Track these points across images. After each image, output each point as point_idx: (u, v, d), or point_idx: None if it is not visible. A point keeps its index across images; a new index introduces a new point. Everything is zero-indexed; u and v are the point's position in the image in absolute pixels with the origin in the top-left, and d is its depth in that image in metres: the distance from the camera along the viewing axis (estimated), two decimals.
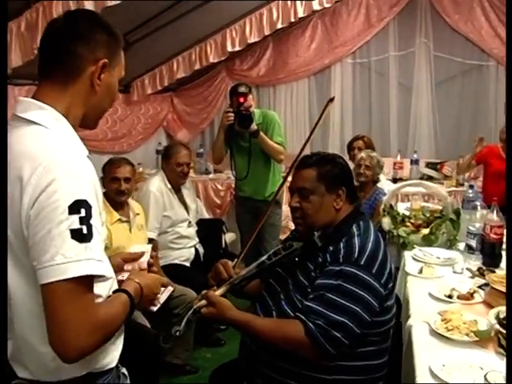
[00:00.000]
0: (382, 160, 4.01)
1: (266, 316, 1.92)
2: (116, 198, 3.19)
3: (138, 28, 4.46)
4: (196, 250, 3.91)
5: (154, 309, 3.01)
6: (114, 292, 1.34)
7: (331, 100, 2.05)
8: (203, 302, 1.76)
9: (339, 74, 6.11)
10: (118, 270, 1.50)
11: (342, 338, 1.73)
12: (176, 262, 3.75)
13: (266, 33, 5.42)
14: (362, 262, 1.78)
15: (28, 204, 1.13)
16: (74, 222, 1.12)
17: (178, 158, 3.73)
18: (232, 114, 3.70)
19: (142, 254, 1.62)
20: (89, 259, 1.14)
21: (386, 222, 3.21)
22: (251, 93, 3.89)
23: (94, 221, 1.16)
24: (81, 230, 1.12)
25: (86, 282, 1.15)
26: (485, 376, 1.35)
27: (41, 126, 1.22)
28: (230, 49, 5.42)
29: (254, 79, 6.26)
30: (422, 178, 5.14)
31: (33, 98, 1.28)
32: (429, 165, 5.55)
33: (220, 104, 6.34)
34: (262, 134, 3.76)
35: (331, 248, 1.86)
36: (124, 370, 1.44)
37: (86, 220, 1.13)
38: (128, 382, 1.44)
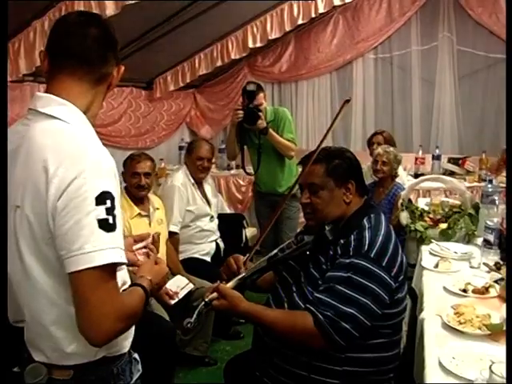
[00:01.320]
0: (400, 155, 3.99)
1: (278, 307, 1.95)
2: (136, 192, 3.25)
3: (160, 25, 4.50)
4: (217, 244, 3.96)
5: (172, 302, 3.07)
6: (130, 286, 1.40)
7: (347, 101, 2.04)
8: (214, 294, 1.78)
9: (361, 70, 6.08)
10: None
11: (351, 330, 1.75)
12: (196, 255, 3.81)
13: (287, 29, 5.41)
14: (372, 255, 1.79)
15: (55, 195, 1.18)
16: (101, 212, 1.17)
17: (199, 152, 3.78)
18: (241, 111, 3.73)
19: (148, 235, 1.68)
20: (114, 248, 1.18)
21: (404, 217, 3.20)
22: (262, 91, 3.91)
23: (117, 211, 1.21)
24: (107, 219, 1.17)
25: (111, 269, 1.20)
26: (490, 367, 1.35)
27: (62, 121, 1.26)
28: (251, 45, 5.43)
29: (275, 75, 6.28)
30: (444, 174, 5.06)
31: (51, 93, 1.32)
32: (451, 160, 5.49)
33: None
34: (271, 131, 3.80)
35: (342, 241, 1.87)
36: (136, 356, 1.49)
37: (111, 210, 1.18)
38: (140, 367, 1.49)
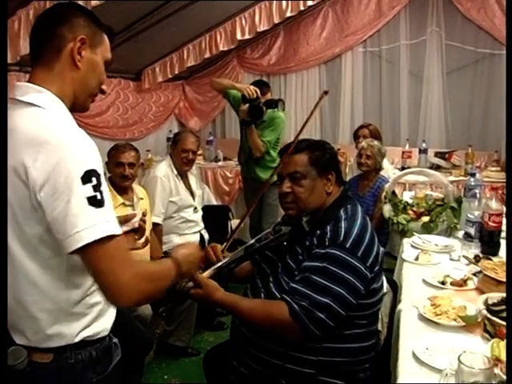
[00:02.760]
0: (384, 148, 4.02)
1: (255, 297, 1.96)
2: (120, 182, 3.24)
3: (147, 16, 4.47)
4: (201, 235, 3.96)
5: None
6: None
7: (325, 92, 2.07)
8: (190, 283, 1.78)
9: (350, 63, 6.08)
10: None
11: (326, 319, 1.75)
12: None
13: (276, 21, 5.40)
14: (348, 245, 1.80)
15: (38, 180, 1.20)
16: (89, 190, 1.20)
17: (184, 145, 3.77)
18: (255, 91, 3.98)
19: (134, 215, 1.69)
20: (108, 221, 1.22)
21: (387, 210, 3.22)
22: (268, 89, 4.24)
23: (104, 187, 1.24)
24: (95, 196, 1.20)
25: (111, 241, 1.23)
26: (458, 357, 1.36)
27: (40, 108, 1.28)
28: (239, 37, 5.41)
29: (264, 68, 6.27)
30: (430, 168, 5.08)
31: (30, 82, 1.35)
32: (438, 154, 5.51)
33: None
34: (252, 127, 4.06)
35: (318, 232, 1.89)
36: (116, 340, 1.50)
37: (98, 187, 1.21)
38: (119, 352, 1.50)
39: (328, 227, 1.87)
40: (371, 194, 3.90)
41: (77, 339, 1.34)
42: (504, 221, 2.71)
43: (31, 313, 1.31)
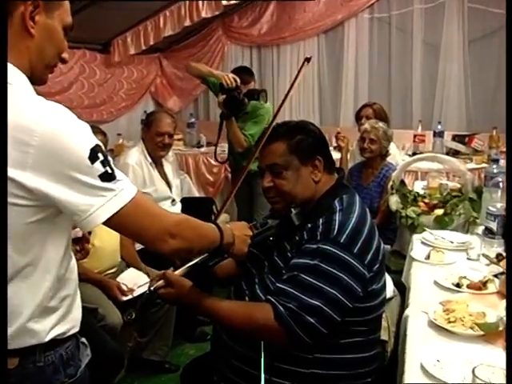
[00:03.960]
0: (391, 131, 4.01)
1: (238, 300, 1.97)
2: None
3: None
4: None
5: (124, 299, 3.06)
6: None
7: (307, 60, 2.08)
8: (161, 282, 1.78)
9: (354, 32, 6.09)
10: None
11: (317, 325, 1.75)
12: None
13: None
14: (342, 240, 1.80)
15: (41, 173, 1.23)
16: (99, 168, 1.29)
17: (159, 127, 3.77)
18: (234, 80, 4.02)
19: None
20: (122, 189, 1.33)
21: (394, 201, 3.23)
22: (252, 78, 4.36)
23: (110, 158, 1.33)
24: (106, 171, 1.30)
25: (140, 199, 1.36)
26: (473, 370, 1.36)
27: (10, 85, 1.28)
28: (225, 2, 5.40)
29: (254, 38, 6.26)
30: (447, 154, 5.10)
31: None
32: (456, 138, 5.52)
33: (216, 67, 6.32)
34: (232, 120, 4.13)
35: (309, 225, 1.88)
36: (84, 340, 1.54)
37: (106, 162, 1.30)
38: (89, 351, 1.55)
39: (320, 220, 1.87)
40: (376, 184, 3.90)
41: (47, 338, 1.37)
42: None
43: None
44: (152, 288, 1.78)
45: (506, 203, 2.47)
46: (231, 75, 4.08)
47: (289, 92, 2.14)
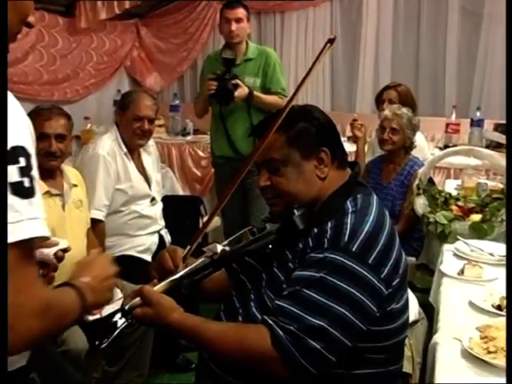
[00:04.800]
0: (417, 119, 4.03)
1: (229, 321, 1.97)
2: (44, 162, 3.21)
3: None
4: (161, 237, 3.98)
5: (90, 318, 3.06)
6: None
7: (331, 41, 2.04)
8: (137, 299, 1.78)
9: None
10: None
11: (322, 351, 1.74)
12: (131, 253, 3.82)
13: None
14: (354, 248, 1.79)
15: None
16: (14, 173, 1.22)
17: (136, 110, 3.76)
18: (215, 84, 4.27)
19: (54, 244, 1.76)
20: (33, 218, 1.24)
21: (420, 204, 3.24)
22: (248, 18, 4.45)
23: (35, 172, 1.26)
24: (22, 182, 1.23)
25: (30, 246, 1.26)
26: None
27: None
28: None
29: (254, 4, 6.23)
30: (487, 147, 5.10)
31: None
32: (499, 127, 5.51)
33: (206, 37, 6.37)
34: (256, 94, 4.34)
35: (316, 230, 1.88)
36: (34, 376, 1.57)
37: (27, 171, 1.24)
38: None
39: (329, 224, 1.86)
40: (399, 183, 3.93)
41: None
42: None
43: None
44: (126, 307, 1.78)
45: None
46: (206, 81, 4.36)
47: (304, 81, 2.12)
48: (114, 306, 2.58)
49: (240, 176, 2.00)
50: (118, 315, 1.79)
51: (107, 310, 2.98)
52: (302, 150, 1.97)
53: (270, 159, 1.98)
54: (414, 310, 2.64)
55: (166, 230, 4.05)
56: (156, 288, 1.83)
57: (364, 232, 1.83)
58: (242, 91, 4.28)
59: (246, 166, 2.00)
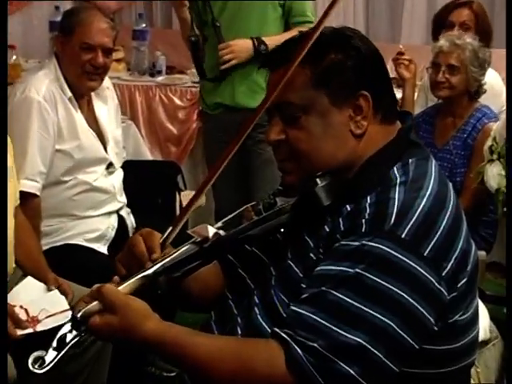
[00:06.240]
0: (488, 51, 4.02)
1: (224, 334, 1.97)
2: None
3: None
4: (121, 219, 4.01)
5: (19, 333, 3.07)
6: None
7: None
8: (94, 304, 1.76)
9: None
10: None
11: (358, 379, 1.72)
12: (79, 241, 3.83)
13: None
14: (404, 235, 1.76)
15: None
16: None
17: (86, 36, 3.75)
18: None
19: None
20: None
21: (493, 175, 3.24)
22: None
23: None
24: None
25: None
26: None
27: None
28: None
29: None
30: None
31: None
32: None
33: None
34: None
35: (348, 208, 1.87)
36: None
37: None
38: None
39: (368, 199, 1.84)
40: (460, 144, 3.92)
41: None
42: None
43: None
44: (79, 315, 1.75)
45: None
46: None
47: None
48: (58, 319, 2.60)
49: (246, 130, 1.97)
50: (67, 327, 1.76)
51: (47, 323, 2.99)
52: (333, 92, 1.92)
53: (286, 103, 1.94)
54: (483, 326, 2.64)
55: (129, 210, 4.08)
56: (121, 288, 1.81)
57: (418, 211, 1.80)
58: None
59: (259, 112, 1.96)
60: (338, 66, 1.93)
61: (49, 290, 3.19)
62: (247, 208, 2.02)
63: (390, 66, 4.60)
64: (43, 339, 2.01)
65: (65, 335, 1.75)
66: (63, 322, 1.75)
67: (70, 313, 2.69)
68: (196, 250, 1.92)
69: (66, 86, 3.79)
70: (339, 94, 1.92)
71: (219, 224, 2.00)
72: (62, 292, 3.18)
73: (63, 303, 2.86)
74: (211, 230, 1.91)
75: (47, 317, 2.93)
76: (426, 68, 4.20)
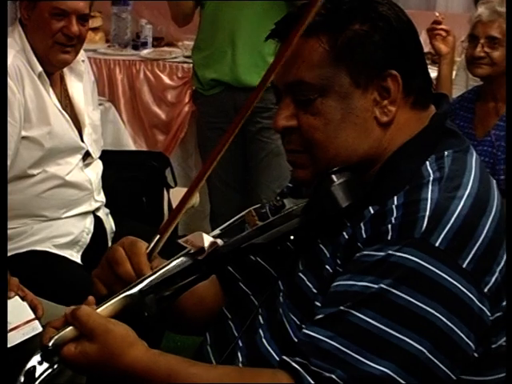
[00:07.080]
0: None
1: (221, 362, 1.99)
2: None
3: None
4: (98, 221, 4.04)
5: None
6: None
7: None
8: (67, 330, 1.77)
9: None
10: None
11: None
12: (48, 248, 3.86)
13: None
14: (438, 243, 1.75)
15: None
16: None
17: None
18: None
19: None
20: None
21: None
22: None
23: None
24: None
25: None
26: None
27: None
28: None
29: None
30: None
31: None
32: None
33: None
34: None
35: (371, 210, 1.88)
36: None
37: None
38: None
39: (395, 200, 1.85)
40: (504, 135, 3.89)
41: None
42: None
43: None
44: (50, 343, 1.76)
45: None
46: None
47: None
48: (25, 330, 2.64)
49: (247, 111, 1.95)
50: (36, 358, 1.76)
51: (11, 338, 3.02)
52: (356, 71, 1.90)
53: (299, 82, 1.93)
54: None
55: (108, 211, 4.10)
56: (100, 310, 1.82)
57: (455, 215, 1.79)
58: None
59: (260, 88, 1.94)
60: (362, 39, 1.90)
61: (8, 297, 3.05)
62: (250, 212, 2.01)
63: (423, 39, 4.65)
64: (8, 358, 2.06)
65: (34, 368, 1.75)
66: (31, 335, 1.76)
67: (37, 323, 2.71)
68: (189, 264, 1.93)
69: (35, 60, 3.78)
70: (363, 73, 1.90)
71: (216, 231, 2.00)
72: (30, 305, 3.07)
73: (27, 311, 2.82)
74: (207, 239, 1.89)
75: (10, 330, 2.81)
76: (461, 41, 4.21)
